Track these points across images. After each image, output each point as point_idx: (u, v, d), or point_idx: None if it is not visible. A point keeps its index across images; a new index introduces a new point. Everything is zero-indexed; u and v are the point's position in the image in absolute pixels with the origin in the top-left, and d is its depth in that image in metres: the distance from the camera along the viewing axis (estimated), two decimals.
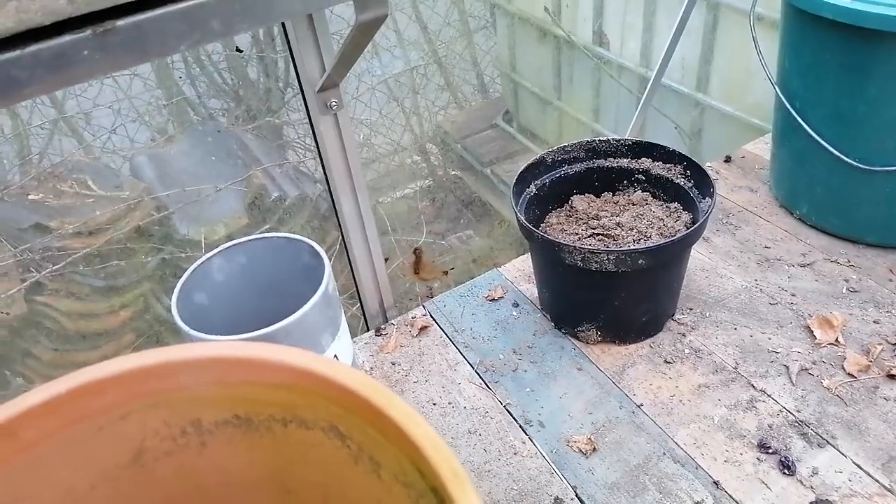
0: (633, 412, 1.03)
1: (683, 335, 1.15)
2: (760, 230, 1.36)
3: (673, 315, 1.18)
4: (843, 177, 1.24)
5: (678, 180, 1.17)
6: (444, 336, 1.22)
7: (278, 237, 0.97)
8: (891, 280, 1.21)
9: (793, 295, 1.20)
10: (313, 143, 1.19)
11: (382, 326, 1.25)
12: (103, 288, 2.29)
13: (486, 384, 1.11)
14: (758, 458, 0.94)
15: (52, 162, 2.66)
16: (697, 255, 1.30)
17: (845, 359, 1.06)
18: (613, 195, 1.25)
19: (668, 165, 1.19)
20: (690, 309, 1.19)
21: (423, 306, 1.29)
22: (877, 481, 0.90)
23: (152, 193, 2.37)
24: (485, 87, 3.88)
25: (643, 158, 1.22)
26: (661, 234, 1.12)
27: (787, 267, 1.26)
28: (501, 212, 3.23)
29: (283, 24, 1.00)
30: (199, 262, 0.92)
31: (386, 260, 1.28)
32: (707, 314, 1.18)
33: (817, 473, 0.91)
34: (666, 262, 1.05)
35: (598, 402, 1.06)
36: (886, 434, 0.95)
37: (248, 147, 2.65)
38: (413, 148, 3.57)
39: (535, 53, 3.04)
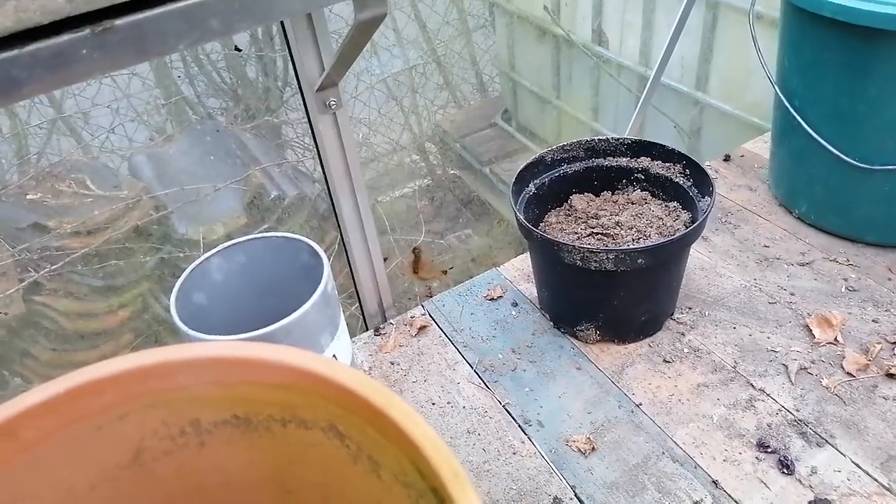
0: (632, 411, 1.03)
1: (682, 334, 1.15)
2: (759, 229, 1.36)
3: (672, 314, 1.18)
4: (843, 176, 1.24)
5: (677, 179, 1.17)
6: (443, 335, 1.22)
7: (277, 237, 0.96)
8: (890, 279, 1.21)
9: (792, 294, 1.20)
10: (312, 143, 1.19)
11: (381, 326, 1.25)
12: (102, 288, 2.29)
13: (485, 384, 1.11)
14: (757, 458, 0.94)
15: (50, 161, 2.66)
16: (696, 254, 1.30)
17: (844, 358, 1.06)
18: (613, 194, 1.25)
19: (667, 164, 1.19)
20: (689, 308, 1.19)
21: (422, 306, 1.29)
22: (875, 480, 0.90)
23: (151, 193, 2.37)
24: (484, 86, 3.87)
25: (642, 157, 1.22)
26: (661, 233, 1.12)
27: (786, 266, 1.26)
28: (500, 211, 3.23)
29: (281, 23, 0.99)
30: (197, 261, 0.92)
31: (385, 259, 1.28)
32: (706, 313, 1.18)
33: (816, 472, 0.91)
34: (665, 261, 1.05)
35: (597, 402, 1.06)
36: (885, 433, 0.95)
37: (247, 146, 2.65)
38: (412, 147, 3.57)
39: (534, 52, 3.04)
